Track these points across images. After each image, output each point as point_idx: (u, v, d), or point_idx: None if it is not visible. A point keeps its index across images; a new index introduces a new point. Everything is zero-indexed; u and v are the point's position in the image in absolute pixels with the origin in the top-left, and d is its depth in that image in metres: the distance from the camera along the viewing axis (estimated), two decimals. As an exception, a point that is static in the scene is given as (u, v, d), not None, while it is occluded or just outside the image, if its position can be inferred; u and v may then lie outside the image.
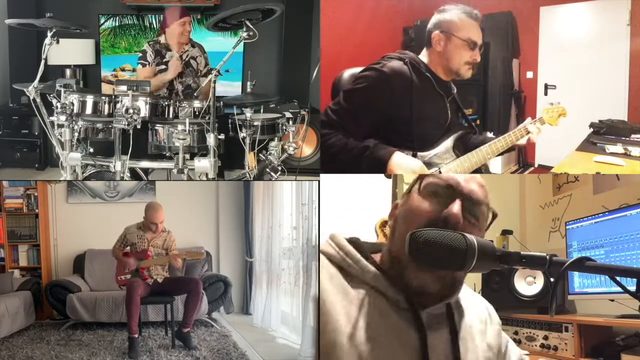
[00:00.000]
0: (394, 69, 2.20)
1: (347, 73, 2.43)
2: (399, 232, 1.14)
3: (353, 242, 1.21)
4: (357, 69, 2.34)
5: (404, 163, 2.15)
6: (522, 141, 2.35)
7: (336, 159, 2.20)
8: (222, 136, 3.32)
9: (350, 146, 2.17)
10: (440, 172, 2.27)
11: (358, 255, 1.17)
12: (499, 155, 2.36)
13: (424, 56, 2.32)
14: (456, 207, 1.10)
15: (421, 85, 2.23)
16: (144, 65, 3.91)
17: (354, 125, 2.21)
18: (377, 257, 1.21)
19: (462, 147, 2.33)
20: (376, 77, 2.21)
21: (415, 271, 1.10)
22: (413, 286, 1.11)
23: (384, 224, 2.80)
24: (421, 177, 1.17)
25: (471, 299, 1.28)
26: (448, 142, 2.31)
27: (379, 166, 2.15)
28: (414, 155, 2.24)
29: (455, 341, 1.16)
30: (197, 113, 3.38)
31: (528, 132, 2.33)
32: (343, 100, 2.25)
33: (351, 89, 2.27)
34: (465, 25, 2.25)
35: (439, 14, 2.29)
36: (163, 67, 3.90)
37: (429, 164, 2.27)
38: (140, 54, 3.96)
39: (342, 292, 1.13)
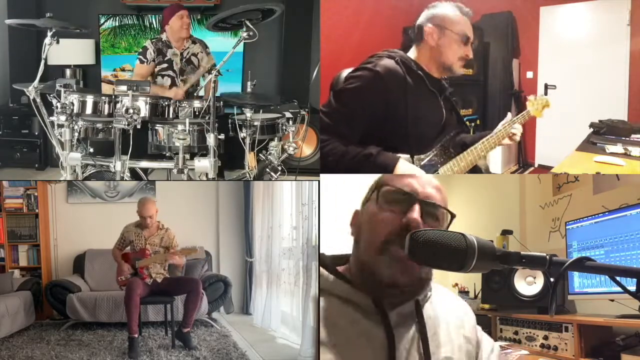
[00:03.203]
0: (387, 68, 2.12)
1: (345, 73, 2.33)
2: (363, 239, 1.20)
3: (321, 259, 1.27)
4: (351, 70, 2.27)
5: (409, 172, 2.08)
6: (505, 141, 2.33)
7: (336, 166, 2.11)
8: (222, 136, 3.32)
9: (352, 154, 2.09)
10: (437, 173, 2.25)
11: (326, 272, 1.22)
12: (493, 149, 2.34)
13: (412, 53, 2.25)
14: (415, 212, 1.14)
15: (414, 84, 2.16)
16: (142, 62, 3.91)
17: (347, 128, 2.12)
18: (344, 268, 1.26)
19: (457, 146, 2.30)
20: (369, 76, 2.12)
21: (385, 268, 1.15)
22: (385, 282, 1.15)
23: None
24: (378, 187, 1.21)
25: (446, 297, 1.32)
26: (443, 142, 2.27)
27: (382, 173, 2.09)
28: (412, 158, 2.18)
29: (425, 338, 1.19)
30: (197, 113, 3.38)
31: (513, 134, 2.32)
32: (334, 102, 2.17)
33: (342, 89, 2.18)
34: (458, 19, 2.21)
35: (430, 10, 2.25)
36: (164, 65, 3.91)
37: (428, 166, 2.23)
38: (141, 50, 3.96)
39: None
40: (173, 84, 3.94)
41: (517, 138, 2.33)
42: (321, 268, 1.24)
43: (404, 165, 2.10)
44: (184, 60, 3.95)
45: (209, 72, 3.86)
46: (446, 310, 1.28)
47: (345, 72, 2.32)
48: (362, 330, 1.16)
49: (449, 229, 1.16)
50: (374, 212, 1.19)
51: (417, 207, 1.15)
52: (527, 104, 2.41)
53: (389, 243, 1.14)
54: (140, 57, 3.92)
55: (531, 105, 2.39)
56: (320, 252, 1.30)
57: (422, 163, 2.23)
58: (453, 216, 1.20)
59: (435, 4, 2.25)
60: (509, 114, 2.39)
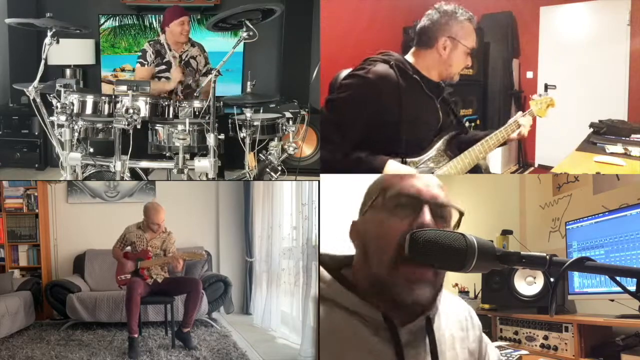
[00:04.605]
0: (378, 74, 2.11)
1: (344, 73, 2.33)
2: (372, 251, 1.11)
3: (325, 261, 1.18)
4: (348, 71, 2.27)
5: (398, 172, 2.09)
6: (514, 135, 2.29)
7: (330, 167, 2.16)
8: (222, 136, 3.32)
9: (338, 158, 2.11)
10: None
11: (331, 279, 1.14)
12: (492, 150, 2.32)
13: (411, 56, 2.24)
14: (427, 215, 1.08)
15: (409, 88, 2.14)
16: (142, 65, 3.91)
17: (339, 136, 2.12)
18: (348, 272, 1.19)
19: (454, 149, 2.28)
20: (360, 84, 2.11)
21: (401, 286, 1.07)
22: (401, 301, 1.08)
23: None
24: (382, 192, 1.13)
25: (451, 305, 1.25)
26: (439, 145, 2.25)
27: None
28: (404, 161, 2.18)
29: (435, 355, 1.13)
30: (197, 113, 3.38)
31: (519, 126, 2.28)
32: (327, 111, 2.18)
33: (334, 99, 2.20)
34: (469, 32, 2.21)
35: (440, 16, 2.20)
36: (163, 67, 3.90)
37: (423, 169, 2.22)
38: (140, 53, 3.95)
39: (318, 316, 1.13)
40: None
41: (525, 131, 2.29)
42: (324, 270, 1.16)
43: (393, 165, 2.10)
44: (182, 62, 3.95)
45: (208, 72, 3.86)
46: (451, 322, 1.22)
47: (345, 72, 2.32)
48: (369, 347, 1.09)
49: (460, 228, 1.11)
50: (381, 220, 1.10)
51: (426, 209, 1.08)
52: (531, 104, 2.37)
53: (401, 253, 1.06)
54: (141, 60, 3.91)
55: (535, 104, 2.35)
56: (321, 252, 1.22)
57: (417, 166, 2.22)
58: (461, 214, 1.13)
59: (445, 10, 2.20)
60: (520, 113, 2.35)
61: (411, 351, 1.11)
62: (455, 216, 1.13)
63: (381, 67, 2.13)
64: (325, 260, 1.19)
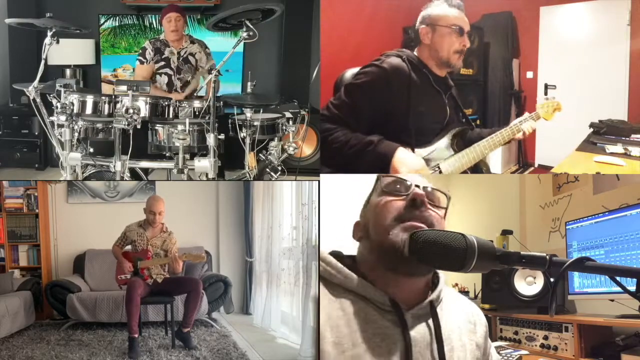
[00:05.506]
0: (393, 65, 2.25)
1: (349, 72, 2.45)
2: (371, 227, 1.20)
3: (335, 254, 1.25)
4: (358, 69, 2.37)
5: (407, 159, 2.18)
6: (519, 135, 2.40)
7: (338, 153, 2.22)
8: (222, 136, 3.32)
9: (354, 141, 2.20)
10: (439, 170, 2.29)
11: (340, 265, 1.21)
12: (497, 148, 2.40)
13: (416, 54, 2.36)
14: (419, 190, 1.18)
15: (419, 82, 2.27)
16: (142, 63, 3.92)
17: (354, 119, 2.25)
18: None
19: (460, 143, 2.36)
20: (376, 72, 2.26)
21: (401, 235, 1.13)
22: (404, 249, 1.13)
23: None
24: (379, 178, 1.24)
25: (458, 301, 1.31)
26: (446, 139, 2.34)
27: (382, 162, 2.16)
28: (412, 151, 2.26)
29: (440, 339, 1.18)
30: (197, 113, 3.38)
31: (520, 130, 2.38)
32: (344, 95, 2.29)
33: (352, 84, 2.32)
34: (447, 13, 2.29)
35: (423, 11, 2.35)
36: (162, 63, 3.91)
37: (427, 161, 2.29)
38: (140, 51, 3.97)
39: (326, 302, 1.18)
40: (170, 82, 3.94)
41: (528, 132, 2.39)
42: (333, 259, 1.22)
43: (402, 153, 2.18)
44: (181, 59, 3.96)
45: (209, 72, 3.86)
46: (458, 314, 1.27)
47: (350, 72, 2.43)
48: (377, 330, 1.14)
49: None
50: (378, 200, 1.21)
51: (417, 188, 1.19)
52: (537, 107, 2.45)
53: (398, 220, 1.15)
54: (140, 58, 3.93)
55: (541, 108, 2.42)
56: (332, 249, 1.27)
57: (422, 157, 2.29)
58: (449, 198, 1.22)
59: (427, 5, 2.34)
60: (526, 114, 2.44)
61: (417, 334, 1.16)
62: (444, 200, 1.22)
63: (395, 60, 2.28)
64: (336, 253, 1.25)
